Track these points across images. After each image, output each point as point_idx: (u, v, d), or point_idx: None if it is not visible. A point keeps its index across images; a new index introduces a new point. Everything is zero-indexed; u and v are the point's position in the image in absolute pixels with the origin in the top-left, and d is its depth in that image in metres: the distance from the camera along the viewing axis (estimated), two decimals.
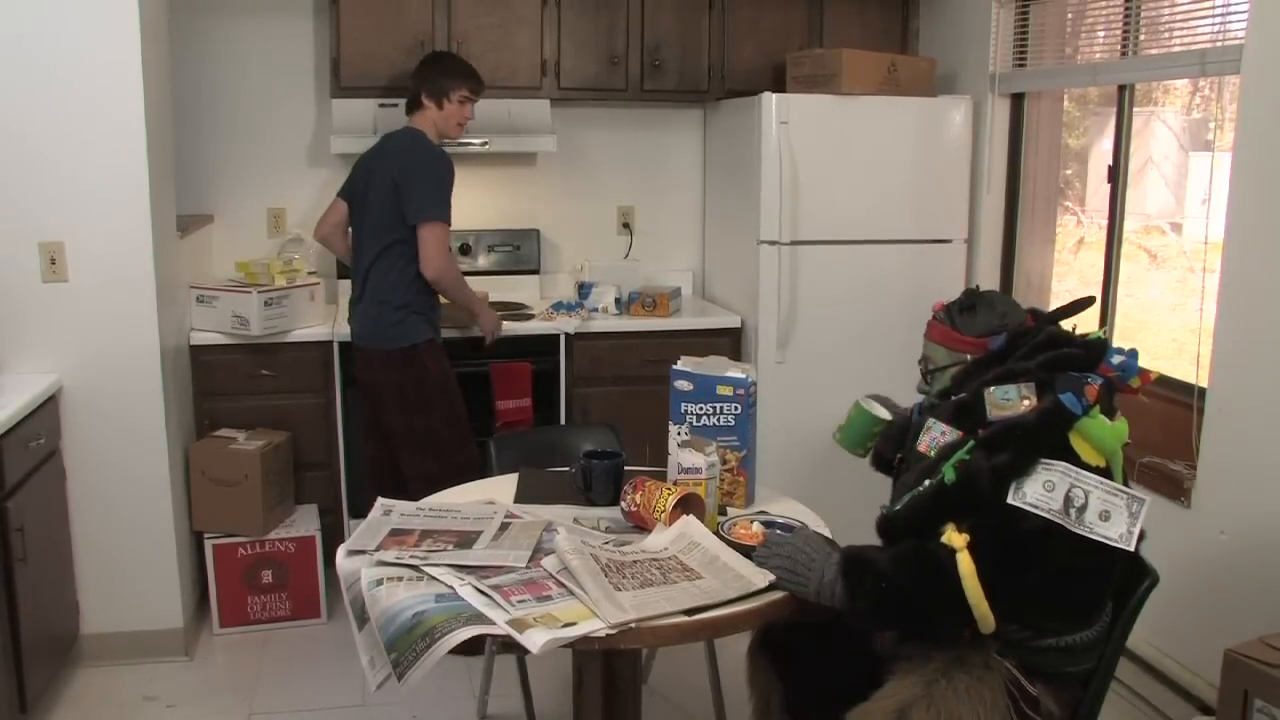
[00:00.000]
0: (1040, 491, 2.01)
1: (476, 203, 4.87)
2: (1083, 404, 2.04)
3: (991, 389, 2.16)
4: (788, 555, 2.16)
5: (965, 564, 2.00)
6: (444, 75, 3.84)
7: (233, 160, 4.62)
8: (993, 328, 2.34)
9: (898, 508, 2.21)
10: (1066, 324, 2.36)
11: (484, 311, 4.07)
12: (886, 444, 2.59)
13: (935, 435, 2.25)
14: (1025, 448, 2.05)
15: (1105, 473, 2.06)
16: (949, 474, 2.10)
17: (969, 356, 2.35)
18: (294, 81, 4.62)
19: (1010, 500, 2.02)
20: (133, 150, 3.45)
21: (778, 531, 2.30)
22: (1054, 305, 2.43)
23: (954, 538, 2.03)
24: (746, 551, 2.25)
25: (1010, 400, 2.13)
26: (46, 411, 3.38)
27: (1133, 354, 2.20)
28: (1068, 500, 2.00)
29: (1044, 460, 2.03)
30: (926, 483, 2.16)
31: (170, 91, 3.98)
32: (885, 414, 2.54)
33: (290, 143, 4.67)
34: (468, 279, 4.61)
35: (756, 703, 2.58)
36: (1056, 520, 1.99)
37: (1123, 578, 2.22)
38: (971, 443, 2.11)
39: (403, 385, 3.75)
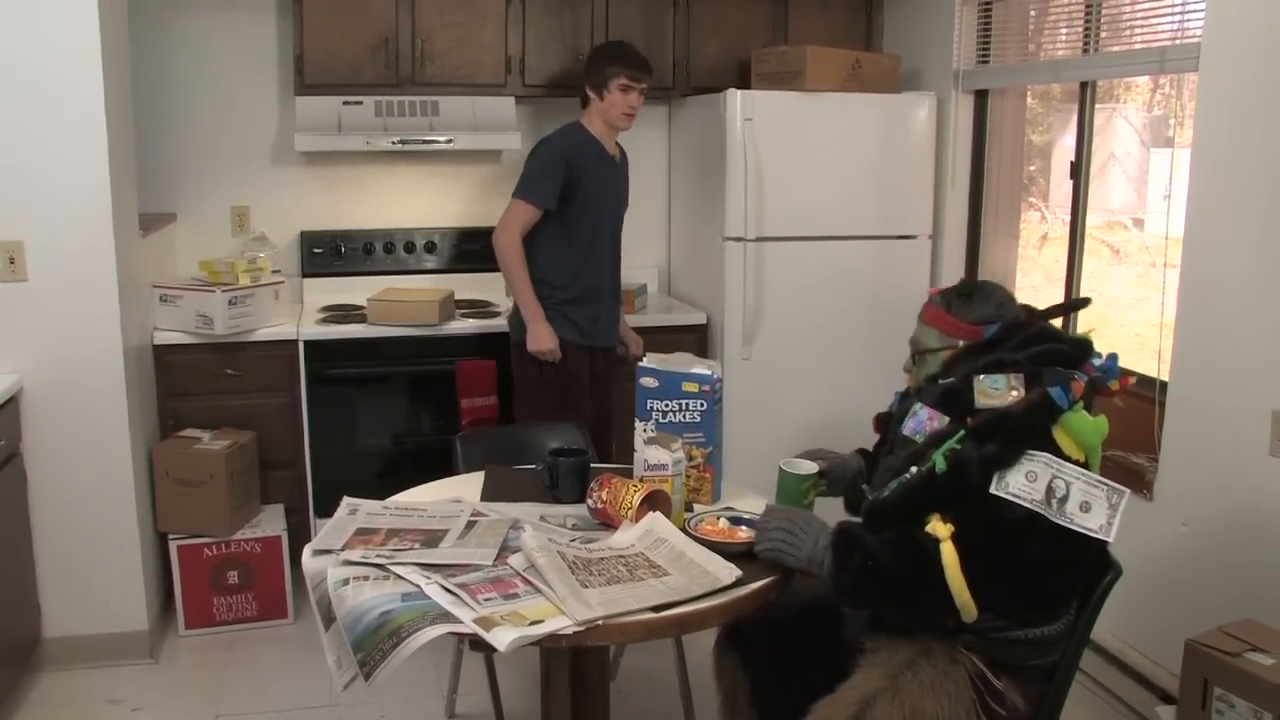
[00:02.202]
0: (1023, 482, 2.03)
1: (441, 201, 4.86)
2: (1069, 399, 2.07)
3: (981, 377, 2.18)
4: (786, 518, 2.22)
5: (949, 554, 2.02)
6: (602, 64, 3.82)
7: (196, 158, 4.57)
8: (988, 316, 2.35)
9: (885, 494, 2.22)
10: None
11: (531, 319, 3.81)
12: (850, 492, 2.59)
13: (921, 420, 2.27)
14: (1012, 438, 2.07)
15: (1084, 467, 2.09)
16: (939, 463, 2.11)
17: (960, 342, 2.36)
18: (257, 79, 4.58)
19: (993, 490, 2.04)
20: (93, 148, 3.42)
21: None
22: (1019, 301, 2.45)
23: (939, 528, 2.05)
24: (713, 547, 2.26)
25: (999, 390, 2.15)
26: (6, 413, 3.34)
27: (1113, 357, 2.23)
28: (1050, 491, 2.02)
29: (1027, 451, 2.06)
30: (914, 470, 2.17)
31: (131, 88, 3.93)
32: (811, 467, 2.51)
33: (254, 141, 4.63)
34: (431, 276, 4.61)
35: (723, 698, 2.59)
36: (1039, 510, 2.01)
37: (1088, 571, 2.24)
38: (962, 432, 2.13)
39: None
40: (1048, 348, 2.21)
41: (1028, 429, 2.07)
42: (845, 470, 2.59)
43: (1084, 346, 2.24)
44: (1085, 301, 2.47)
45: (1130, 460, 3.41)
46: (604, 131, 3.86)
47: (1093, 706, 3.43)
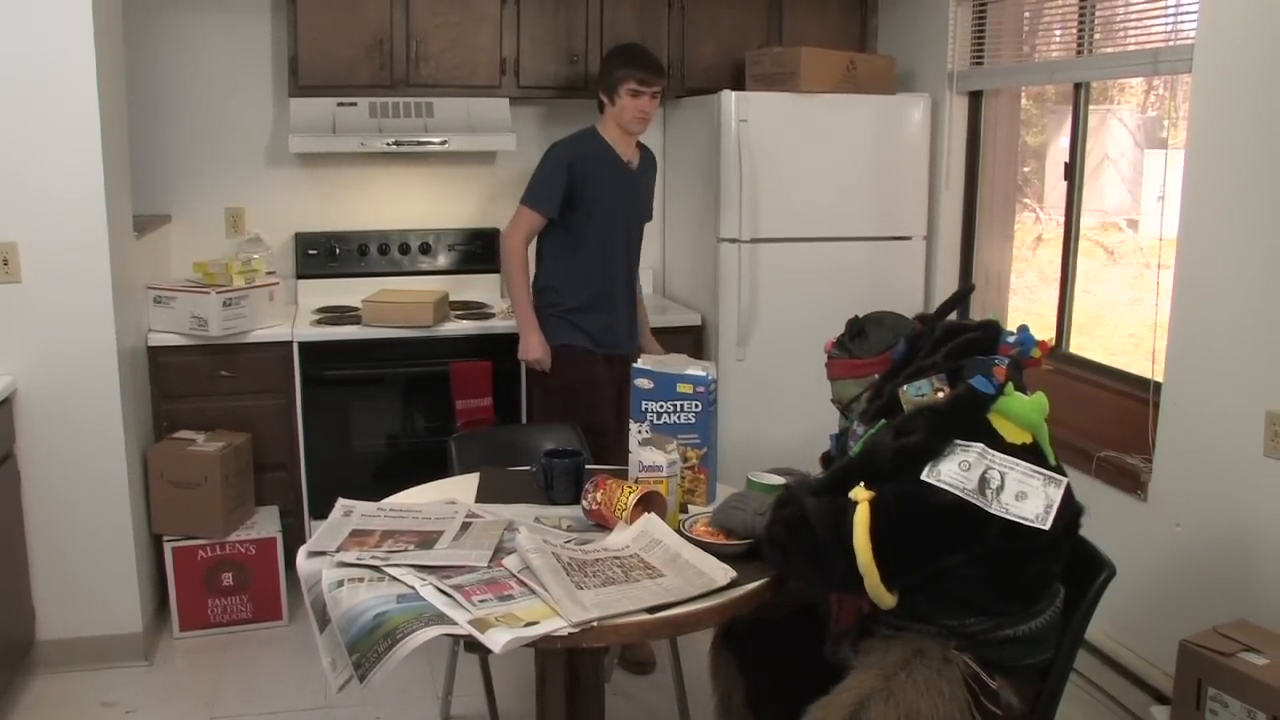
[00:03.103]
0: (955, 470, 2.03)
1: (436, 202, 4.86)
2: (994, 384, 2.07)
3: (905, 387, 2.19)
4: (739, 495, 2.38)
5: (861, 514, 2.03)
6: (611, 68, 3.77)
7: (190, 159, 4.57)
8: (887, 343, 2.39)
9: (816, 477, 2.29)
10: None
11: (522, 326, 3.83)
12: None
13: (857, 433, 2.31)
14: (935, 428, 2.06)
15: (1032, 449, 2.09)
16: (856, 448, 2.17)
17: (875, 376, 2.38)
18: (252, 80, 4.58)
19: (924, 477, 2.03)
20: (87, 149, 3.41)
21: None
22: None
23: (859, 491, 2.06)
24: (708, 549, 2.26)
25: (924, 395, 2.16)
26: (0, 415, 3.34)
27: (1023, 329, 2.23)
28: (983, 481, 2.02)
29: (960, 441, 2.05)
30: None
31: (125, 90, 3.93)
32: (777, 479, 2.53)
33: (248, 142, 4.63)
34: (425, 278, 4.61)
35: (719, 699, 2.59)
36: (970, 499, 2.01)
37: (1080, 570, 2.25)
38: (883, 421, 2.16)
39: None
40: (959, 340, 2.22)
41: (950, 419, 2.07)
42: None
43: (992, 328, 2.24)
44: (969, 289, 2.50)
45: (1125, 461, 3.41)
46: (618, 136, 3.80)
47: (1088, 707, 3.43)
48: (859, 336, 2.46)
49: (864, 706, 2.08)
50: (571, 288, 3.80)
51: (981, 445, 2.04)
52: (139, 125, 4.27)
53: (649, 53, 3.85)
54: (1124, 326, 4.47)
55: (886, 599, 2.06)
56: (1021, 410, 2.08)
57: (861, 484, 2.07)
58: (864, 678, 2.13)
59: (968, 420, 2.07)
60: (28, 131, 3.35)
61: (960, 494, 2.01)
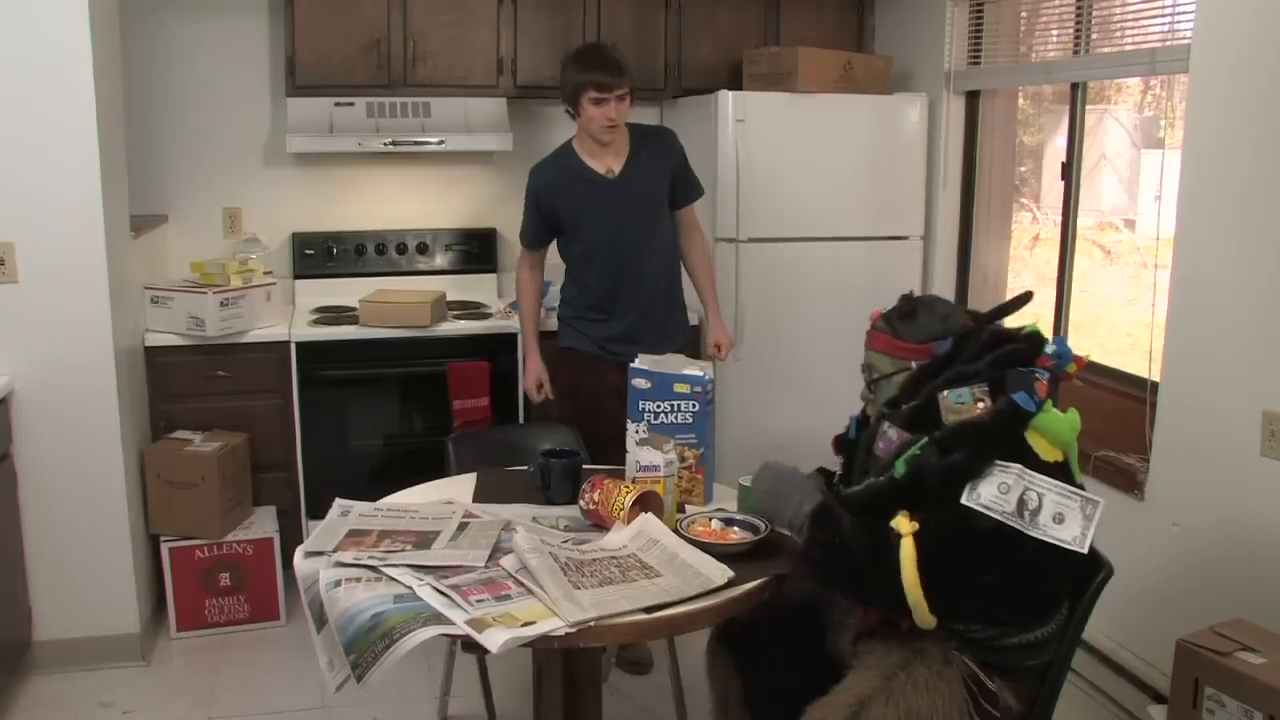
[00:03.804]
0: (995, 493, 2.02)
1: (433, 202, 4.86)
2: (1035, 401, 2.06)
3: (945, 393, 2.17)
4: (774, 479, 2.31)
5: (907, 550, 2.02)
6: (569, 77, 3.49)
7: (187, 160, 4.57)
8: (934, 333, 2.35)
9: (854, 489, 2.24)
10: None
11: (524, 354, 3.87)
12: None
13: (891, 440, 2.27)
14: (980, 448, 2.06)
15: (1063, 466, 2.09)
16: (899, 468, 2.13)
17: (913, 364, 2.36)
18: (249, 80, 4.58)
19: (964, 500, 2.03)
20: (84, 149, 3.41)
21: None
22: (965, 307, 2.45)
23: (903, 523, 2.05)
24: (706, 548, 2.26)
25: (965, 404, 2.14)
26: None
27: (1061, 341, 2.22)
28: (1022, 503, 2.01)
29: (1000, 462, 2.05)
30: (880, 477, 2.18)
31: (123, 90, 3.93)
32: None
33: (246, 142, 4.63)
34: (423, 278, 4.61)
35: (716, 699, 2.58)
36: (1009, 522, 2.00)
37: (1078, 570, 2.24)
38: (925, 439, 2.13)
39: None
40: (1005, 350, 2.20)
41: (995, 437, 2.07)
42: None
43: (1037, 340, 2.23)
44: (1028, 297, 2.46)
45: (1122, 461, 3.41)
46: (591, 148, 3.59)
47: (1085, 706, 3.43)
48: (908, 318, 2.39)
49: (864, 707, 2.08)
50: (577, 297, 3.76)
51: (1020, 466, 2.03)
52: (136, 125, 4.26)
53: (607, 53, 3.55)
54: (1121, 326, 4.47)
55: (930, 622, 2.07)
56: (1057, 428, 2.08)
57: (904, 514, 2.06)
58: (863, 678, 2.13)
59: (1010, 436, 2.06)
60: (25, 131, 3.35)
61: (999, 518, 2.01)
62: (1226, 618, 2.72)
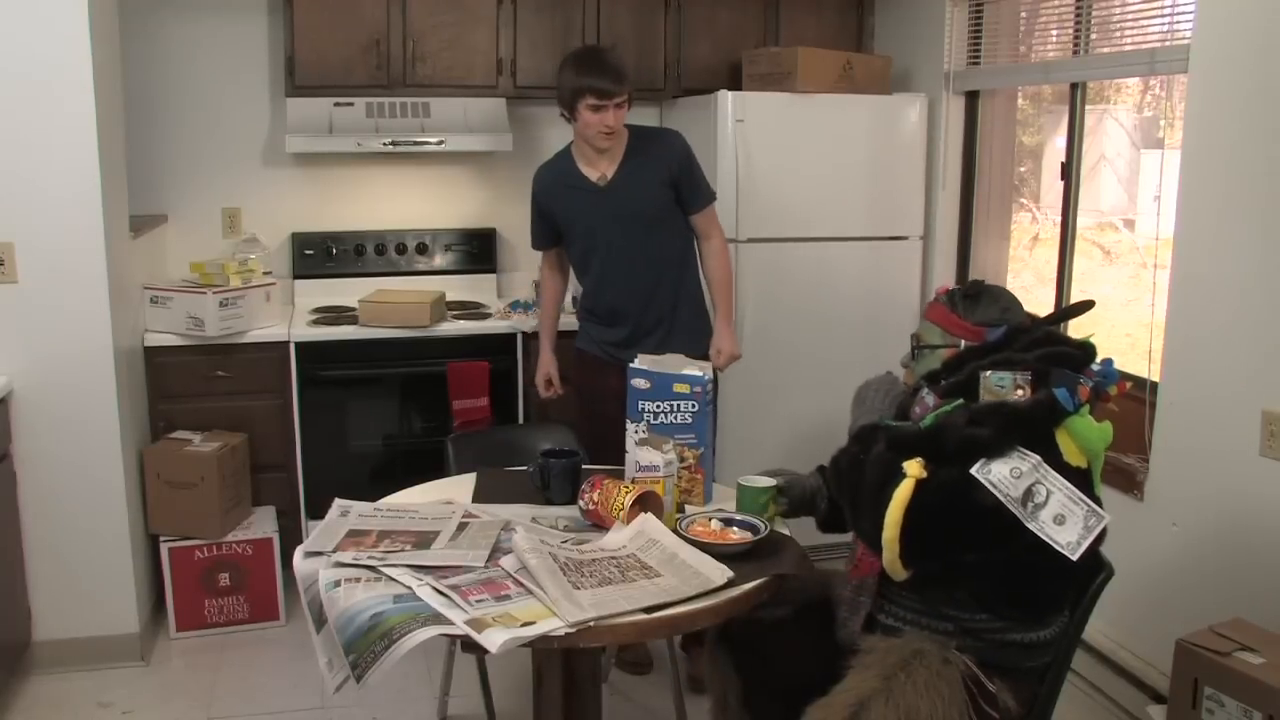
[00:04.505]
0: (1006, 475, 2.03)
1: (433, 202, 4.86)
2: (1075, 402, 2.07)
3: (988, 373, 2.19)
4: (879, 387, 2.60)
5: (904, 489, 2.04)
6: (566, 81, 3.40)
7: (187, 160, 4.57)
8: (992, 319, 2.36)
9: (886, 421, 2.32)
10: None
11: (540, 351, 3.89)
12: (809, 509, 2.60)
13: (928, 404, 2.30)
14: (1008, 428, 2.06)
15: (1084, 474, 2.09)
16: (928, 419, 2.17)
17: (962, 342, 2.37)
18: (248, 80, 4.58)
19: (974, 472, 2.04)
20: (84, 149, 3.41)
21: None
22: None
23: (913, 466, 2.06)
24: (705, 549, 2.26)
25: (1004, 387, 2.15)
26: None
27: (1108, 362, 2.23)
28: (1029, 493, 2.01)
29: (1020, 448, 2.05)
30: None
31: (122, 90, 3.93)
32: (768, 481, 2.52)
33: (245, 142, 4.63)
34: (422, 278, 4.61)
35: (715, 699, 2.58)
36: (1009, 507, 2.01)
37: (1081, 576, 2.24)
38: (960, 401, 2.16)
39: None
40: (1057, 350, 2.21)
41: (1025, 423, 2.07)
42: (803, 488, 2.57)
43: (1089, 351, 2.24)
44: (1090, 304, 2.47)
45: (1121, 461, 3.41)
46: (587, 153, 3.51)
47: (1084, 706, 3.43)
48: (971, 299, 2.41)
49: (863, 707, 2.08)
50: (584, 299, 3.77)
51: (1038, 458, 2.04)
52: (135, 125, 4.26)
53: (607, 58, 3.44)
54: (1121, 326, 4.46)
55: (900, 572, 2.08)
56: (1089, 434, 2.10)
57: (919, 459, 2.07)
58: (863, 679, 2.13)
59: (1041, 428, 2.07)
60: (24, 131, 3.35)
61: (1002, 499, 2.01)
62: (1226, 618, 2.72)
